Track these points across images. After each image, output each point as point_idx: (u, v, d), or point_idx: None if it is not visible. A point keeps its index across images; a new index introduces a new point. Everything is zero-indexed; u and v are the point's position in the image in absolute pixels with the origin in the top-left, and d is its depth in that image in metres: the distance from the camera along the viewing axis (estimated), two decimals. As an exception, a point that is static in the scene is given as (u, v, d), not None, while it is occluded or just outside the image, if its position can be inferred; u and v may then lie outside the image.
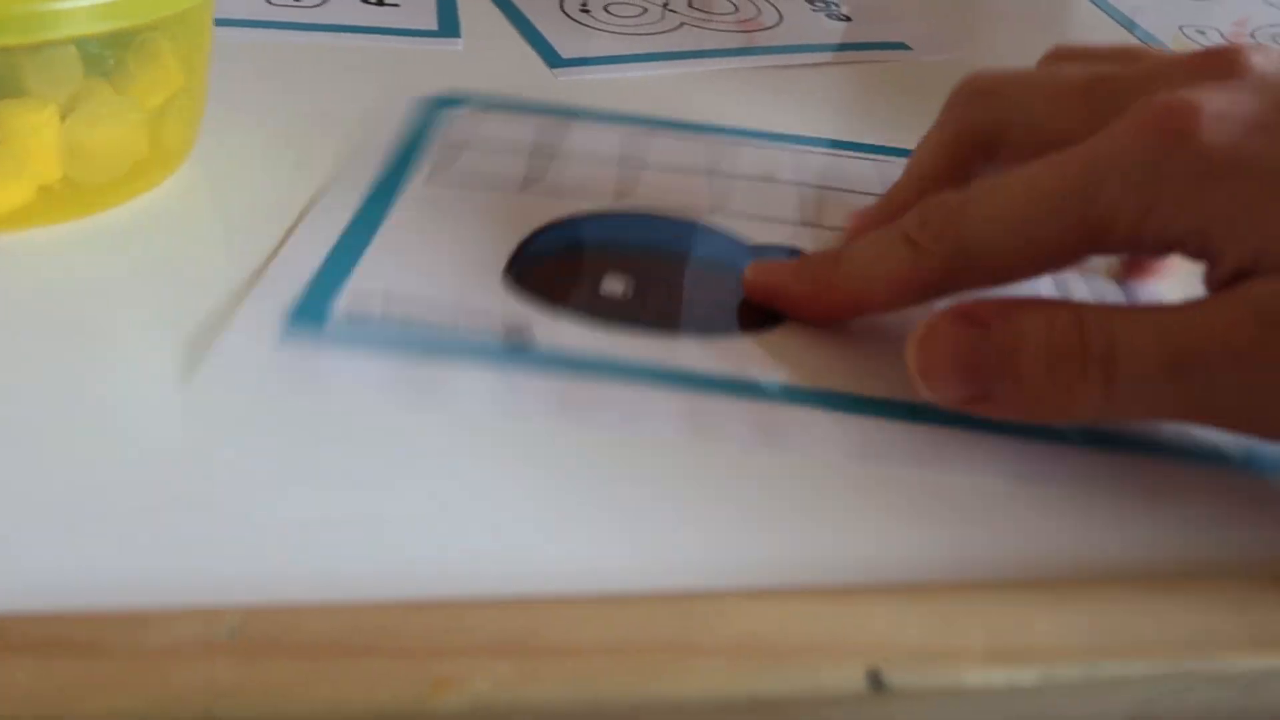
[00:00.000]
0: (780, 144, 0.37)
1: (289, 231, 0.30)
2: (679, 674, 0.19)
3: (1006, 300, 0.25)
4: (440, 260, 0.30)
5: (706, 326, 0.28)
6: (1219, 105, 0.23)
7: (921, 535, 0.22)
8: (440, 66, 0.40)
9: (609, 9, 0.47)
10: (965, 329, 0.24)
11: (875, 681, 0.19)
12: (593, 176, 0.34)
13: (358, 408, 0.24)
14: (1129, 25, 0.50)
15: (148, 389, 0.24)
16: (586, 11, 0.47)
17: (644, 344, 0.27)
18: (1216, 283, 0.24)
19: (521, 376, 0.26)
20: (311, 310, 0.27)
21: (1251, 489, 0.25)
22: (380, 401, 0.25)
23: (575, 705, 0.19)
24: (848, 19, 0.49)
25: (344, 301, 0.28)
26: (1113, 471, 0.25)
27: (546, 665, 0.19)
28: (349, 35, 0.42)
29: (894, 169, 0.33)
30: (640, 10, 0.48)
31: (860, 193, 0.35)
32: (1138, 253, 0.25)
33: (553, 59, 0.42)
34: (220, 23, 0.41)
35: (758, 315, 0.29)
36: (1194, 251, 0.24)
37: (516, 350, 0.27)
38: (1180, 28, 0.51)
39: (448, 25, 0.44)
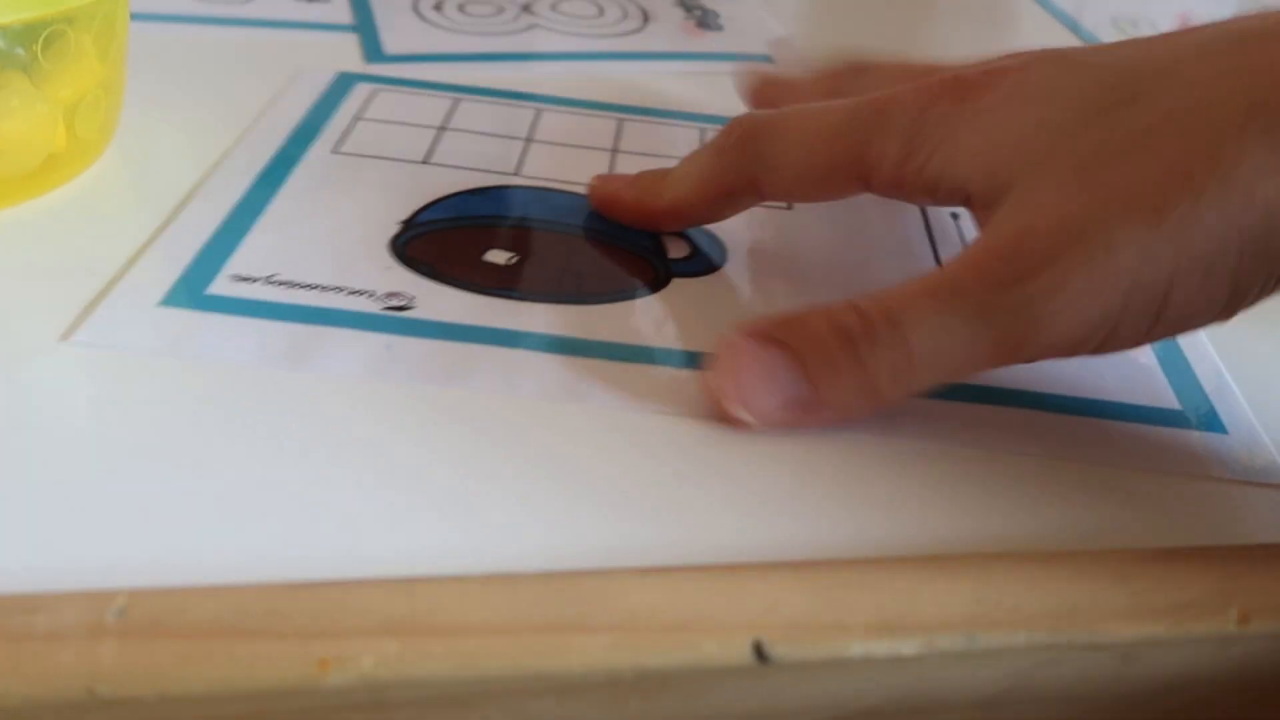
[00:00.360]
0: (672, 120, 0.38)
1: (175, 211, 0.30)
2: (565, 650, 0.19)
3: (787, 316, 0.25)
4: (332, 231, 0.31)
5: (581, 294, 0.29)
6: (985, 79, 0.26)
7: (808, 511, 0.23)
8: (359, 56, 0.40)
9: (464, 9, 0.46)
10: (766, 347, 0.24)
11: (759, 653, 0.20)
12: (491, 150, 0.35)
13: (233, 381, 0.24)
14: (1074, 26, 0.50)
15: (45, 381, 0.24)
16: (438, 10, 0.46)
17: (521, 311, 0.28)
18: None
19: (399, 342, 0.26)
20: (191, 286, 0.28)
21: (1132, 474, 0.25)
22: (256, 375, 0.25)
23: (463, 682, 0.19)
24: (720, 29, 0.46)
25: (226, 276, 0.28)
26: (997, 456, 0.25)
27: (434, 643, 0.19)
28: (274, 30, 0.42)
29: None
30: (496, 10, 0.46)
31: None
32: (906, 196, 0.27)
33: (374, 53, 0.41)
34: (147, 17, 0.42)
35: (631, 283, 0.30)
36: (957, 199, 0.26)
37: (395, 318, 0.27)
38: (1114, 20, 0.52)
39: (364, 21, 0.44)
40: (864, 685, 0.20)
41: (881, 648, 0.20)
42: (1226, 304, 0.23)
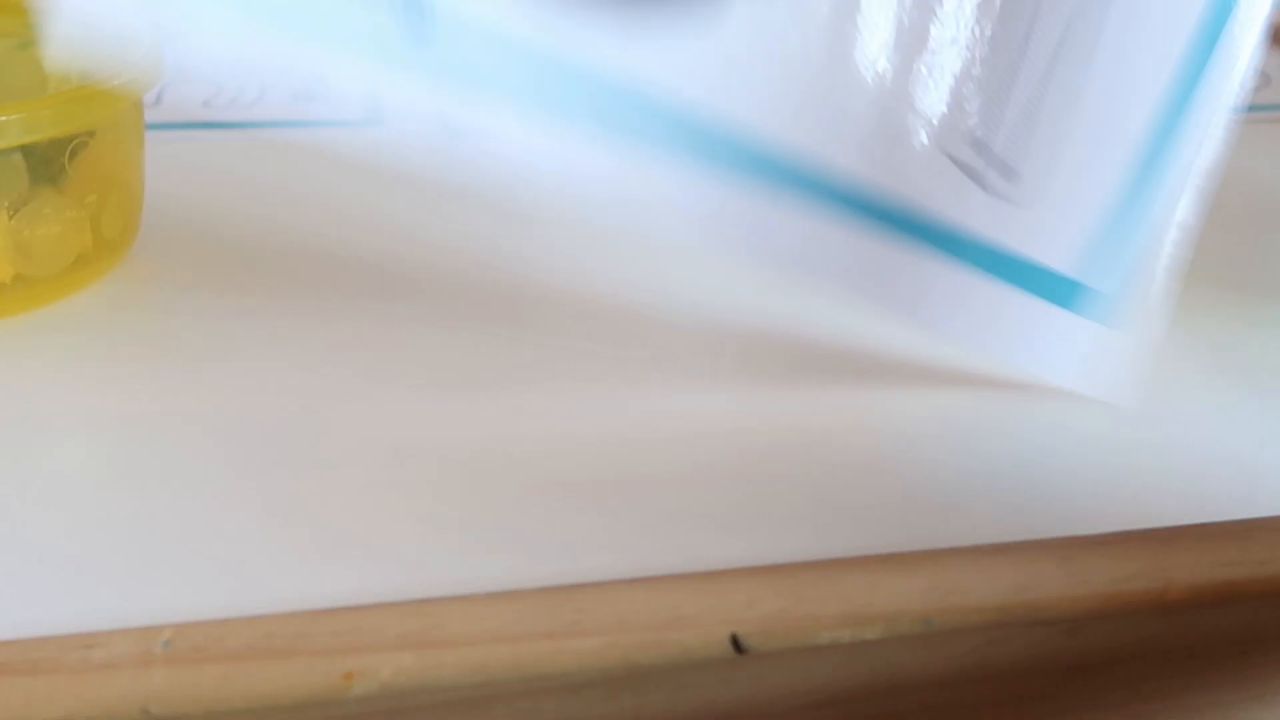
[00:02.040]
0: None
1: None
2: (563, 654, 0.22)
3: None
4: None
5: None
6: None
7: (777, 519, 0.25)
8: (363, 150, 0.44)
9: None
10: None
11: (737, 645, 0.22)
12: None
13: (242, 424, 0.27)
14: None
15: (95, 459, 0.27)
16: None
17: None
18: None
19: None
20: None
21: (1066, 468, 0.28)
22: (263, 419, 0.28)
23: (473, 686, 0.21)
24: None
25: None
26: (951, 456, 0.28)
27: (446, 654, 0.21)
28: (283, 129, 0.45)
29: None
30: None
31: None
32: None
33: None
34: (161, 127, 0.45)
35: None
36: None
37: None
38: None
39: (373, 113, 0.47)
40: (834, 671, 0.23)
41: (847, 635, 0.22)
42: None
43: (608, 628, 0.22)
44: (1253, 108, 0.50)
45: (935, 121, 0.18)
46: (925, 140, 0.18)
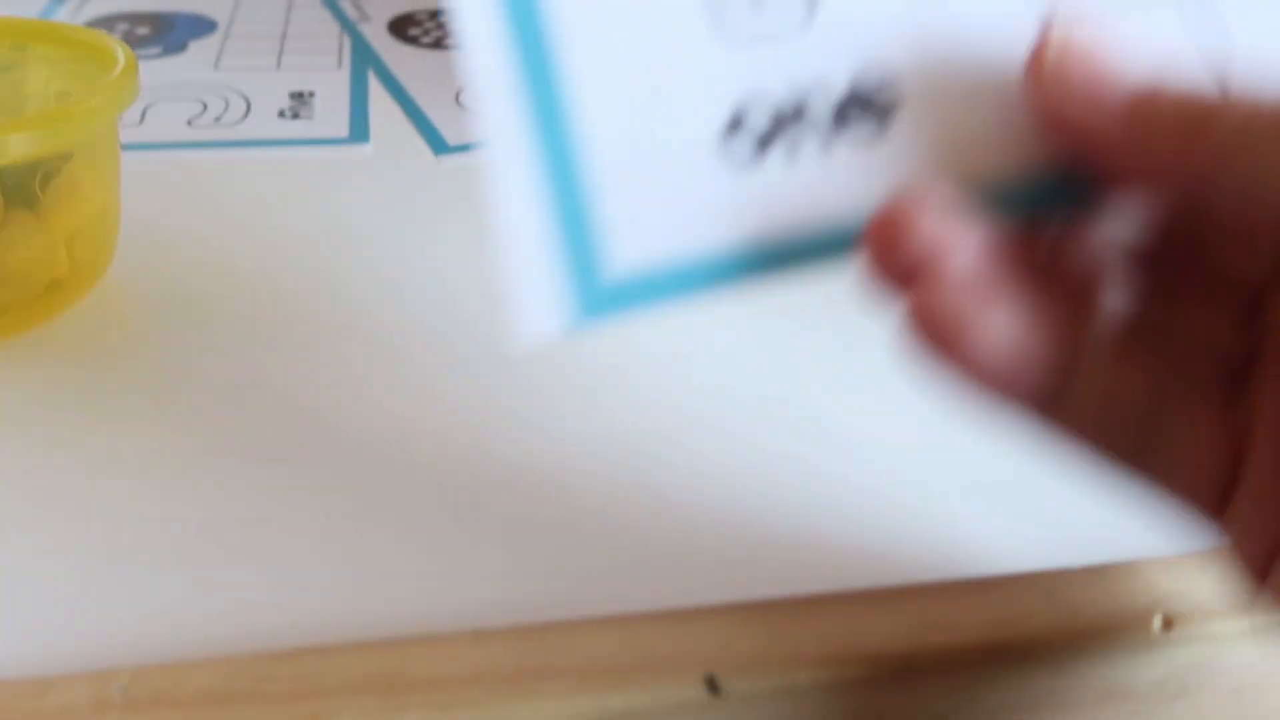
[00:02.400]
0: None
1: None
2: (532, 695, 0.21)
3: None
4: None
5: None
6: None
7: (753, 553, 0.25)
8: (346, 169, 0.43)
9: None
10: None
11: (712, 687, 0.21)
12: None
13: (201, 462, 0.26)
14: None
15: (55, 494, 0.27)
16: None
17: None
18: None
19: None
20: None
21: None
22: (219, 453, 0.27)
23: (439, 731, 0.21)
24: None
25: None
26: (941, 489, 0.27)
27: (410, 696, 0.21)
28: (266, 148, 0.45)
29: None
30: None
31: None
32: None
33: (439, 146, 0.45)
34: (143, 147, 0.44)
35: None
36: None
37: None
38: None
39: (358, 131, 0.47)
40: (814, 712, 0.22)
41: (827, 675, 0.21)
42: None
43: (577, 668, 0.21)
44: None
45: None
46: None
